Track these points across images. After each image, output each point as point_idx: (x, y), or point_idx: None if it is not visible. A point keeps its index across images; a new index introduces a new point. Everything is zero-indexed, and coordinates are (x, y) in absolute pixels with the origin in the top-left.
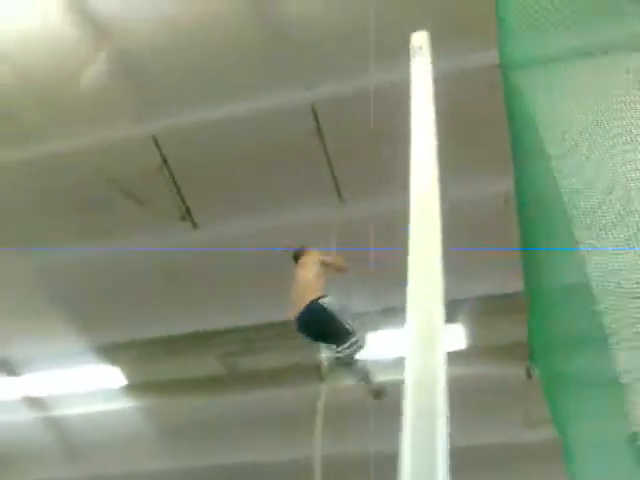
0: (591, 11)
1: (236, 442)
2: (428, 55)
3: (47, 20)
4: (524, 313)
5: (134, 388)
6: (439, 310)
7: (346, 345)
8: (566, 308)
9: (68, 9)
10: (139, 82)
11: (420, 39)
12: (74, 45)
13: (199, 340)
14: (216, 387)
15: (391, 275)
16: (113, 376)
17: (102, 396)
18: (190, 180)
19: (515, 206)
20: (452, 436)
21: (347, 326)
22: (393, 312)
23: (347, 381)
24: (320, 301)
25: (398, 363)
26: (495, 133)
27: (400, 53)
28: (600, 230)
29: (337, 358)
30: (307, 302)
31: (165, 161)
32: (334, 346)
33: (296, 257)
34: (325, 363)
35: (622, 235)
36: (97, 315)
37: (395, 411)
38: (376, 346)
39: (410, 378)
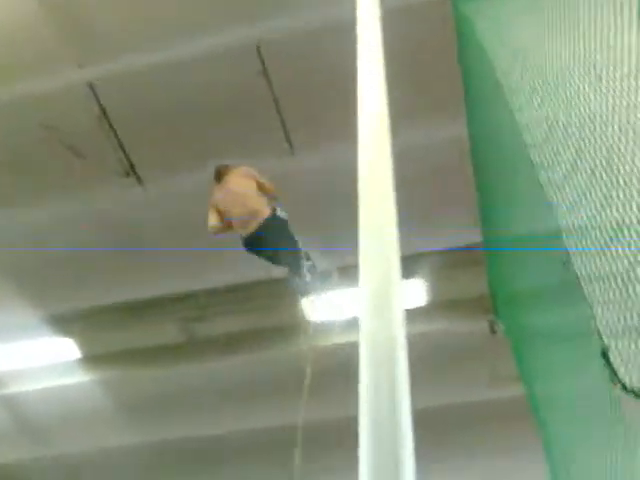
0: None
1: (199, 413)
2: None
3: None
4: (484, 265)
5: (90, 360)
6: (394, 264)
7: (306, 270)
8: (529, 256)
9: None
10: (79, 27)
11: None
12: None
13: (155, 306)
14: (175, 355)
15: (347, 231)
16: (67, 348)
17: (57, 370)
18: (132, 133)
19: (469, 150)
20: (415, 397)
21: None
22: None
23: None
24: (278, 213)
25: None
26: (447, 73)
27: None
28: (563, 165)
29: (302, 287)
30: (263, 216)
31: (104, 112)
32: (291, 271)
33: (219, 174)
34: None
35: (585, 170)
36: (45, 283)
37: None
38: (334, 306)
39: (366, 341)
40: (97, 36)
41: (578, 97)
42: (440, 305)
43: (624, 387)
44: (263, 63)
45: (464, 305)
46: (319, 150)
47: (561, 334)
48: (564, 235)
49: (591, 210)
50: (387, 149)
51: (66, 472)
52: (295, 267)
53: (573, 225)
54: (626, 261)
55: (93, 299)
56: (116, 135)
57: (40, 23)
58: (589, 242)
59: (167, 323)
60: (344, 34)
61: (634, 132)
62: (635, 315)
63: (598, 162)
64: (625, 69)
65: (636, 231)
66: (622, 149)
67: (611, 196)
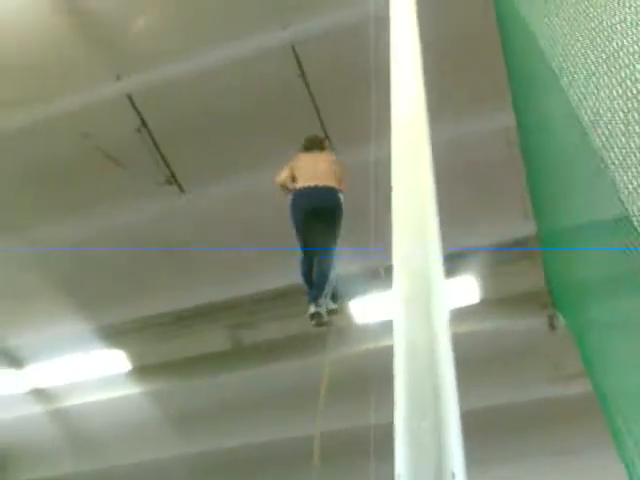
0: None
1: (250, 422)
2: None
3: None
4: (538, 258)
5: (140, 371)
6: (436, 261)
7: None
8: (592, 244)
9: None
10: (114, 40)
11: None
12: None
13: (203, 315)
14: (224, 363)
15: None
16: (117, 360)
17: (108, 383)
18: (172, 142)
19: (518, 140)
20: (472, 399)
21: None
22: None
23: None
24: (339, 195)
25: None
26: (488, 63)
27: None
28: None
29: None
30: (329, 185)
31: (143, 122)
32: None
33: (312, 143)
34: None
35: None
36: (93, 295)
37: None
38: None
39: (401, 344)
40: (132, 47)
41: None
42: (494, 302)
43: None
44: (300, 65)
45: (519, 301)
46: (358, 149)
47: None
48: (631, 219)
49: None
50: (425, 141)
51: None
52: (324, 267)
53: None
54: None
55: (141, 310)
56: (156, 145)
57: (74, 37)
58: None
59: (215, 331)
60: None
61: None
62: None
63: None
64: None
65: None
66: None
67: None
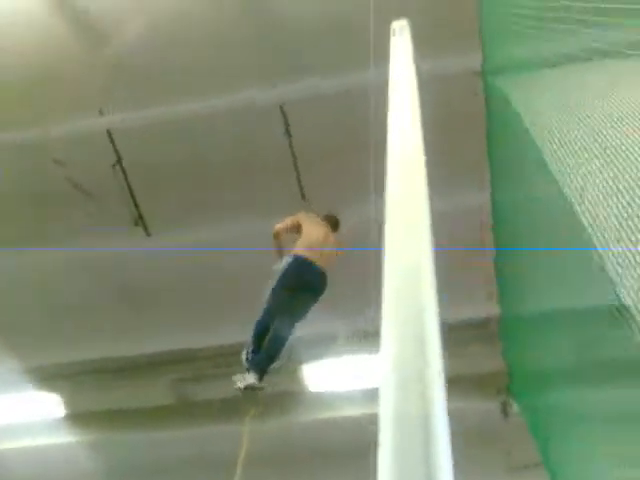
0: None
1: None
2: (408, 36)
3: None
4: (497, 342)
5: (73, 418)
6: (433, 326)
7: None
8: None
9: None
10: (105, 74)
11: (401, 24)
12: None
13: (149, 364)
14: (167, 418)
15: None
16: (51, 404)
17: (38, 428)
18: (145, 183)
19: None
20: None
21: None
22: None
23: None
24: (326, 281)
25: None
26: (472, 143)
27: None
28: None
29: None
30: (325, 269)
31: (119, 159)
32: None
33: (331, 222)
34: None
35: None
36: (28, 333)
37: None
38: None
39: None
40: (121, 85)
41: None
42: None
43: None
44: (286, 124)
45: (473, 384)
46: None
47: (593, 414)
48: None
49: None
50: (424, 199)
51: None
52: (283, 337)
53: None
54: None
55: (83, 353)
56: (128, 184)
57: (62, 67)
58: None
59: (159, 383)
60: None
61: None
62: None
63: None
64: None
65: None
66: None
67: None
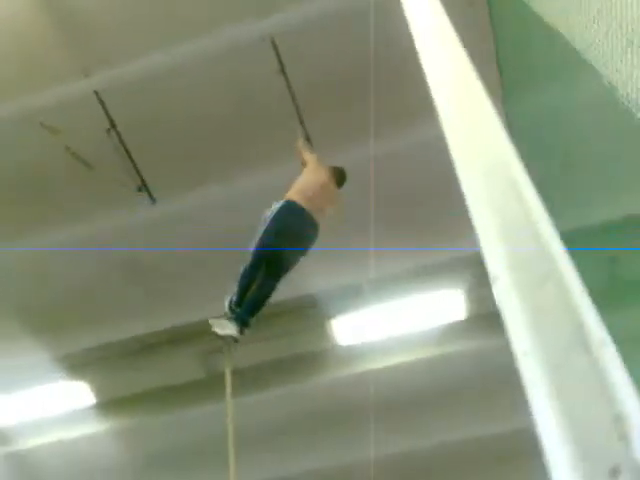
0: None
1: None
2: None
3: None
4: None
5: (104, 406)
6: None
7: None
8: None
9: None
10: (83, 34)
11: None
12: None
13: (173, 340)
14: (199, 393)
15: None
16: (79, 393)
17: (68, 420)
18: (143, 145)
19: None
20: (462, 429)
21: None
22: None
23: None
24: (317, 231)
25: None
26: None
27: None
28: None
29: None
30: (317, 215)
31: (113, 123)
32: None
33: (337, 174)
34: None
35: None
36: (47, 321)
37: None
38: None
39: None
40: (102, 42)
41: None
42: (481, 319)
43: None
44: (280, 59)
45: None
46: (340, 153)
47: None
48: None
49: None
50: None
51: None
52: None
53: None
54: None
55: (104, 336)
56: (125, 148)
57: (42, 33)
58: None
59: (186, 358)
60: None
61: None
62: None
63: None
64: None
65: None
66: None
67: None
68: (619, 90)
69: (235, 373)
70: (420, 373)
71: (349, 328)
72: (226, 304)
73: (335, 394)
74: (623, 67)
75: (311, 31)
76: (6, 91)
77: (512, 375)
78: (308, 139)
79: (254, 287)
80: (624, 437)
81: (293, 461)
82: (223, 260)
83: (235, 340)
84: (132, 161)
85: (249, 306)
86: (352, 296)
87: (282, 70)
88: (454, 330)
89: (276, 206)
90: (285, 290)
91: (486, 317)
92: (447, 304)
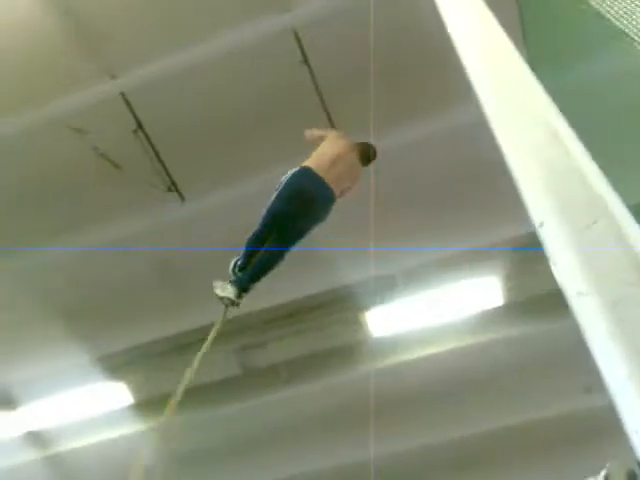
0: None
1: (270, 457)
2: None
3: None
4: None
5: (143, 405)
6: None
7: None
8: None
9: None
10: (105, 37)
11: None
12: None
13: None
14: (235, 390)
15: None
16: (117, 394)
17: (107, 421)
18: (170, 145)
19: None
20: (500, 416)
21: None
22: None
23: None
24: (332, 202)
25: None
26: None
27: None
28: None
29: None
30: (331, 184)
31: (140, 124)
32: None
33: (361, 151)
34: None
35: None
36: (85, 323)
37: None
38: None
39: None
40: (126, 43)
41: None
42: (518, 305)
43: None
44: (303, 51)
45: (544, 302)
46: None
47: None
48: None
49: None
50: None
51: None
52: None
53: None
54: None
55: (139, 336)
56: (153, 148)
57: (67, 37)
58: None
59: (221, 355)
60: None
61: None
62: None
63: None
64: None
65: None
66: None
67: None
68: None
69: (270, 368)
70: (456, 363)
71: (383, 320)
72: (230, 266)
73: (370, 387)
74: None
75: (333, 22)
76: (35, 96)
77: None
78: (332, 126)
79: (262, 252)
80: None
81: (329, 454)
82: None
83: (233, 303)
84: (160, 161)
85: (252, 272)
86: (386, 287)
87: (306, 62)
88: (490, 318)
89: (291, 172)
90: (318, 283)
91: (522, 304)
92: (483, 292)
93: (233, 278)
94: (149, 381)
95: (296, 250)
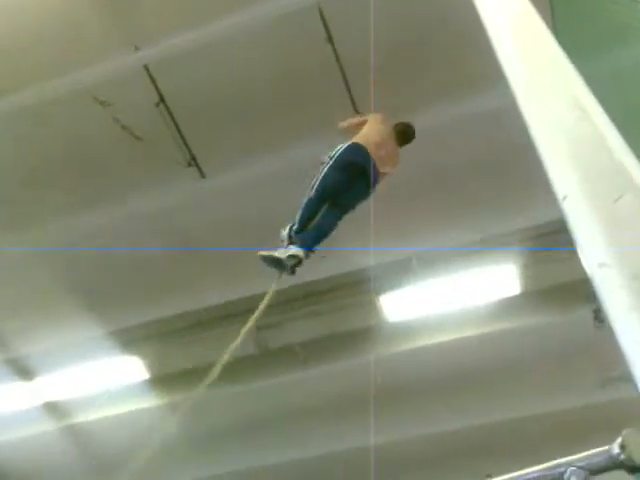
0: None
1: (285, 435)
2: None
3: None
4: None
5: (158, 381)
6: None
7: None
8: None
9: None
10: (131, 9)
11: None
12: None
13: (225, 315)
14: (251, 368)
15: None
16: (134, 369)
17: (125, 394)
18: (192, 120)
19: None
20: (513, 407)
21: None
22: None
23: None
24: (377, 182)
25: None
26: None
27: None
28: None
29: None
30: (381, 166)
31: (162, 97)
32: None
33: (399, 131)
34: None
35: None
36: (103, 297)
37: None
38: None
39: None
40: (151, 16)
41: None
42: (534, 295)
43: None
44: (327, 28)
45: (561, 292)
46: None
47: None
48: None
49: None
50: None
51: None
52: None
53: None
54: None
55: (157, 312)
56: (175, 122)
57: (91, 8)
58: None
59: (235, 333)
60: None
61: None
62: None
63: None
64: None
65: None
66: None
67: None
68: None
69: (285, 350)
70: (470, 350)
71: (399, 304)
72: (285, 232)
73: (385, 371)
74: None
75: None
76: (58, 67)
77: (566, 351)
78: (355, 109)
79: (318, 219)
80: None
81: (343, 437)
82: (274, 234)
83: (299, 263)
84: (181, 136)
85: (315, 235)
86: (402, 272)
87: (329, 39)
88: (506, 306)
89: (342, 147)
90: (334, 266)
91: (539, 293)
92: (499, 280)
93: (296, 238)
94: (165, 357)
95: None
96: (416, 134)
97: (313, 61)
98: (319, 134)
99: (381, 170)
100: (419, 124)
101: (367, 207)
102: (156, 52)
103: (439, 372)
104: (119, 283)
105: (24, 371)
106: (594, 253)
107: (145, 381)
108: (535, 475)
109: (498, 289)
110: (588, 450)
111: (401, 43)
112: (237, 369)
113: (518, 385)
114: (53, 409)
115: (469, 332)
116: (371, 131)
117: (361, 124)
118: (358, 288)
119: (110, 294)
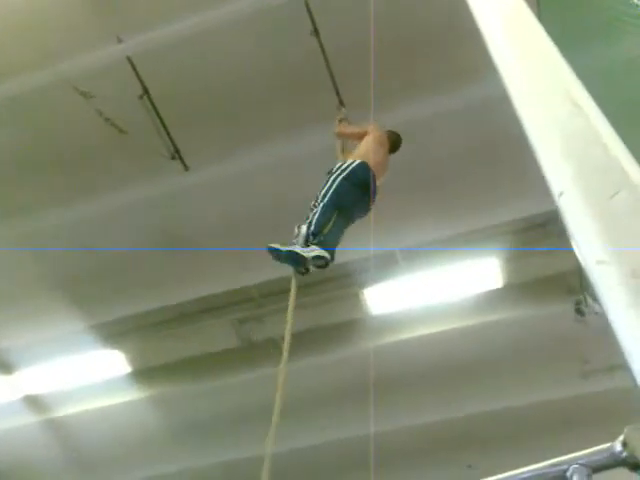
0: None
1: (266, 429)
2: None
3: None
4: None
5: (140, 374)
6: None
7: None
8: None
9: None
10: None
11: None
12: None
13: (206, 309)
14: (232, 362)
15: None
16: (116, 362)
17: (106, 388)
18: (176, 113)
19: None
20: (495, 399)
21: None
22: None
23: None
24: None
25: None
26: None
27: None
28: None
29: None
30: (378, 180)
31: (146, 89)
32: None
33: (392, 140)
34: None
35: None
36: (85, 291)
37: None
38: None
39: None
40: (134, 7)
41: None
42: (517, 288)
43: None
44: (313, 20)
45: (543, 286)
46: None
47: None
48: None
49: None
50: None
51: None
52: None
53: None
54: None
55: (139, 305)
56: (158, 114)
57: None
58: None
59: (219, 327)
60: None
61: None
62: None
63: None
64: None
65: None
66: None
67: None
68: None
69: (269, 343)
70: (453, 343)
71: (383, 297)
72: (303, 231)
73: (368, 364)
74: None
75: None
76: (40, 58)
77: (548, 343)
78: (341, 102)
79: (330, 226)
80: None
81: (324, 430)
82: (257, 228)
83: (326, 265)
84: (165, 128)
85: (332, 241)
86: (386, 265)
87: (315, 31)
88: (490, 299)
89: (353, 163)
90: None
91: (522, 286)
92: (482, 273)
93: (319, 240)
94: (146, 350)
95: None
96: (398, 127)
97: (299, 54)
98: (304, 127)
99: (377, 184)
100: (400, 117)
101: None
102: (139, 43)
103: (423, 364)
104: (100, 277)
105: (4, 365)
106: (592, 250)
107: (126, 375)
108: (537, 472)
109: (481, 282)
110: (585, 447)
111: (391, 35)
112: (220, 362)
113: (500, 377)
114: (34, 403)
115: (453, 325)
116: (372, 152)
117: (360, 136)
118: (343, 281)
119: (91, 288)
